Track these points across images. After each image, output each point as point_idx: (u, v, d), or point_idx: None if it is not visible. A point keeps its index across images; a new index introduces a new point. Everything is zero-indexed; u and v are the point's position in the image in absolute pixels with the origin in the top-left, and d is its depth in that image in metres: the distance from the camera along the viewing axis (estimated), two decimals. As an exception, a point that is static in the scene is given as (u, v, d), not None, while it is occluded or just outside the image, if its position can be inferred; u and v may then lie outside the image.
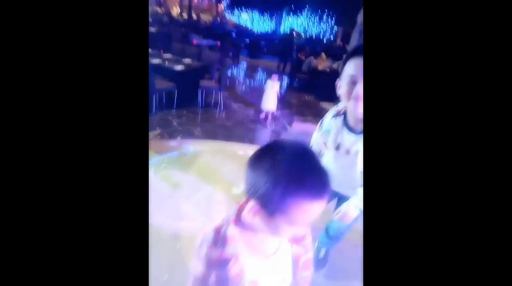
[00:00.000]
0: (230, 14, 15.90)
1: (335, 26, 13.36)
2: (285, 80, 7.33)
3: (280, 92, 4.36)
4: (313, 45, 10.30)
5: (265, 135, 3.89)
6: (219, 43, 8.61)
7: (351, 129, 1.01)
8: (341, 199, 1.25)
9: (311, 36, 13.88)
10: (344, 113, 1.05)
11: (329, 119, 1.11)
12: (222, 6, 15.93)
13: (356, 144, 1.00)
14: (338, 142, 1.06)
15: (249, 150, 3.21)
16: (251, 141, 3.53)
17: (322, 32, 13.93)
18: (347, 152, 1.04)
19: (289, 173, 0.49)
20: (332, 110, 1.13)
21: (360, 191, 1.08)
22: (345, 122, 1.04)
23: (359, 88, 0.85)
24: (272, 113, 4.40)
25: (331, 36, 13.50)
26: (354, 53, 0.88)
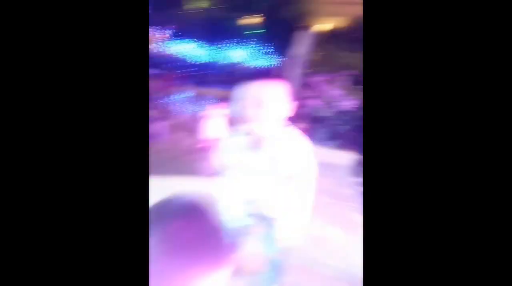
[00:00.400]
0: (174, 43, 15.92)
1: (278, 56, 14.26)
2: (230, 109, 7.32)
3: (223, 121, 4.28)
4: (257, 75, 10.71)
5: (208, 165, 3.68)
6: (162, 72, 8.38)
7: (255, 149, 1.04)
8: (266, 220, 1.23)
9: (254, 66, 14.53)
10: (248, 134, 1.07)
11: (232, 140, 1.13)
12: (166, 35, 15.90)
13: (262, 164, 1.03)
14: (245, 162, 1.07)
15: (192, 182, 3.01)
16: (194, 173, 3.28)
17: (266, 62, 14.71)
18: (256, 172, 1.04)
19: (186, 244, 0.43)
20: (235, 131, 1.15)
21: (291, 212, 1.07)
22: (249, 143, 1.06)
23: (260, 112, 0.92)
24: (215, 142, 4.23)
25: (274, 66, 14.31)
26: (252, 76, 0.96)
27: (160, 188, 2.71)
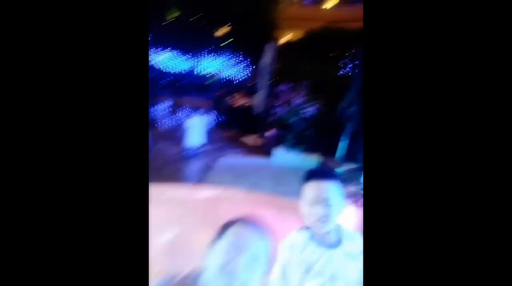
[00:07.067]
0: (150, 54, 15.71)
1: (249, 66, 14.67)
2: (208, 118, 7.63)
3: (203, 129, 4.59)
4: (231, 84, 11.03)
5: (193, 172, 4.01)
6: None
7: (320, 243, 0.93)
8: None
9: (228, 76, 14.85)
10: (310, 229, 0.96)
11: (293, 236, 1.00)
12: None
13: (334, 263, 0.90)
14: (307, 260, 0.93)
15: (177, 190, 3.22)
16: (179, 180, 3.51)
17: (238, 72, 15.08)
18: (319, 273, 0.91)
19: None
20: (292, 235, 1.01)
21: None
22: (313, 237, 0.96)
23: (321, 211, 0.88)
24: (198, 149, 4.52)
25: (246, 75, 14.73)
26: (309, 177, 0.93)
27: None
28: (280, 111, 4.77)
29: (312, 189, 0.91)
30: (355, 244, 0.93)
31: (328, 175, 0.94)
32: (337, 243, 0.93)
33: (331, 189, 0.90)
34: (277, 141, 4.85)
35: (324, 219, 0.88)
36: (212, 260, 0.63)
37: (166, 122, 6.68)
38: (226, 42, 13.86)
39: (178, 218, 2.62)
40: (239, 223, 0.68)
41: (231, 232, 0.66)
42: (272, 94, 5.47)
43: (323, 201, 0.88)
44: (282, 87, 4.99)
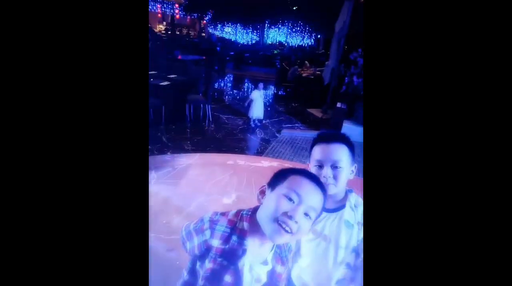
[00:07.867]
0: (213, 28, 16.16)
1: (316, 35, 13.74)
2: (272, 89, 7.45)
3: (268, 101, 4.47)
4: (296, 54, 10.54)
5: (254, 144, 3.93)
6: (204, 57, 8.72)
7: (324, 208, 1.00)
8: None
9: (293, 45, 14.22)
10: None
11: None
12: (204, 21, 16.19)
13: (329, 225, 0.94)
14: None
15: (238, 160, 3.33)
16: (241, 151, 3.57)
17: (304, 41, 14.30)
18: (319, 234, 0.96)
19: None
20: None
21: None
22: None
23: (326, 172, 0.89)
24: (260, 121, 4.48)
25: (313, 44, 13.85)
26: (318, 140, 0.93)
27: (203, 165, 3.00)
28: (354, 81, 4.26)
29: (319, 150, 0.91)
30: (356, 214, 0.92)
31: (338, 138, 0.92)
32: (338, 208, 0.94)
33: (339, 151, 0.90)
34: (348, 114, 4.41)
35: (330, 181, 0.88)
36: (271, 202, 0.65)
37: (231, 95, 6.71)
38: (295, 7, 13.12)
39: (236, 184, 2.64)
40: (302, 173, 0.69)
41: (292, 180, 0.67)
42: (346, 62, 4.95)
43: (329, 163, 0.88)
44: (354, 54, 4.43)
